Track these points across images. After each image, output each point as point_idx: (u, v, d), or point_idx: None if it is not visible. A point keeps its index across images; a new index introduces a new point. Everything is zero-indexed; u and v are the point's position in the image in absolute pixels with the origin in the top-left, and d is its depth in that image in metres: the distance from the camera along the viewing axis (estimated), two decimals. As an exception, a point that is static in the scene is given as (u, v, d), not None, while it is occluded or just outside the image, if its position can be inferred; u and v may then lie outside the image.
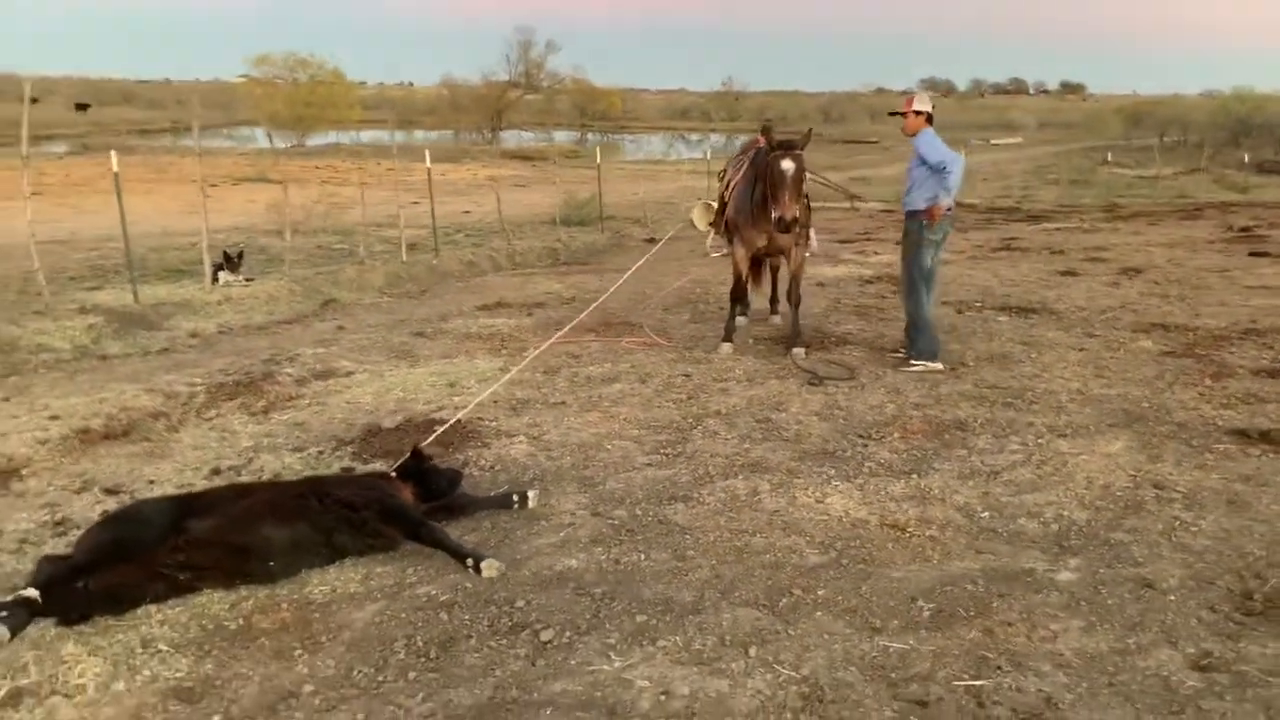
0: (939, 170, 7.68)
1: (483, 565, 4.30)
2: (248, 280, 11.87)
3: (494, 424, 6.50)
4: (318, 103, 57.34)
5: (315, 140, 56.80)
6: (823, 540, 4.71)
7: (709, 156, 34.11)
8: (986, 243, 16.83)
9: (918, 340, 8.01)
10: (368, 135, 66.05)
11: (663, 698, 3.38)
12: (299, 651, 3.69)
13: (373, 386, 7.38)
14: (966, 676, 3.52)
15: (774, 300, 10.00)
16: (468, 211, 23.71)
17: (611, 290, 9.97)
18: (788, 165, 7.58)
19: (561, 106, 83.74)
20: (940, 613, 3.99)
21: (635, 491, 5.30)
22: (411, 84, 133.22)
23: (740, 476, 5.53)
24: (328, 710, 3.31)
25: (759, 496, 5.24)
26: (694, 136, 78.91)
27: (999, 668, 3.58)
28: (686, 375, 7.76)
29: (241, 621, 3.90)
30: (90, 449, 6.03)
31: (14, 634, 3.59)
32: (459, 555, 4.37)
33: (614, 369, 7.92)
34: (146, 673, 3.52)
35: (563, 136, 73.85)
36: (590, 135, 75.24)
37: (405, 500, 4.67)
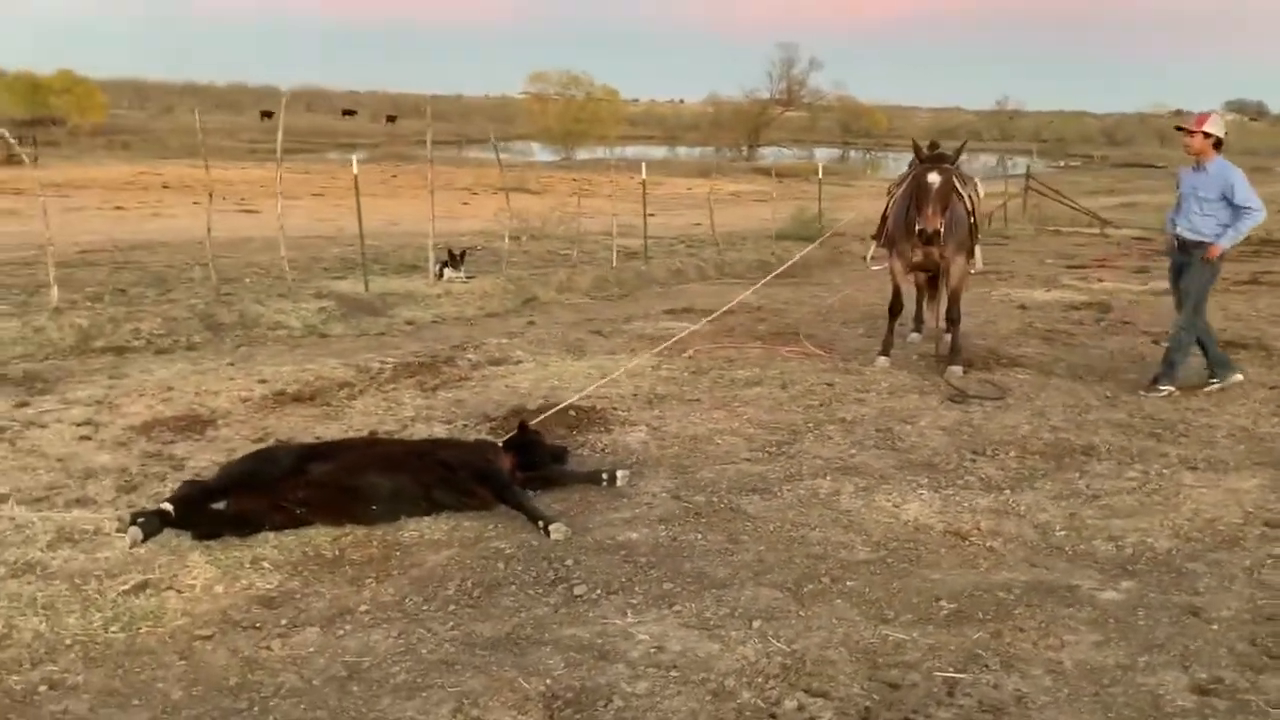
0: (1241, 210, 7.44)
1: (551, 528, 4.80)
2: (468, 277, 13.01)
3: (625, 413, 6.99)
4: (585, 118, 60.25)
5: (583, 154, 59.70)
6: (879, 540, 4.88)
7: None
8: (1233, 276, 15.62)
9: (1214, 359, 7.96)
10: (632, 150, 68.70)
11: (654, 651, 3.74)
12: (371, 580, 4.31)
13: (534, 374, 8.05)
14: (950, 669, 3.65)
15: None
16: (698, 224, 24.32)
17: (734, 303, 10.23)
18: (933, 178, 7.64)
19: (825, 123, 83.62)
20: (959, 613, 4.10)
21: (722, 482, 5.64)
22: (682, 100, 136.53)
23: (829, 477, 5.74)
24: (372, 626, 3.91)
25: (838, 497, 5.44)
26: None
27: (987, 665, 3.68)
28: (830, 384, 7.95)
29: (337, 552, 4.59)
30: (280, 408, 7.01)
31: (146, 537, 4.43)
32: (533, 517, 4.89)
33: (761, 374, 8.22)
34: (245, 582, 4.25)
35: (826, 154, 73.54)
36: (853, 152, 74.67)
37: (499, 466, 5.23)
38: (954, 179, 7.86)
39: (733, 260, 17.15)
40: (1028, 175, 26.56)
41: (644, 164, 17.65)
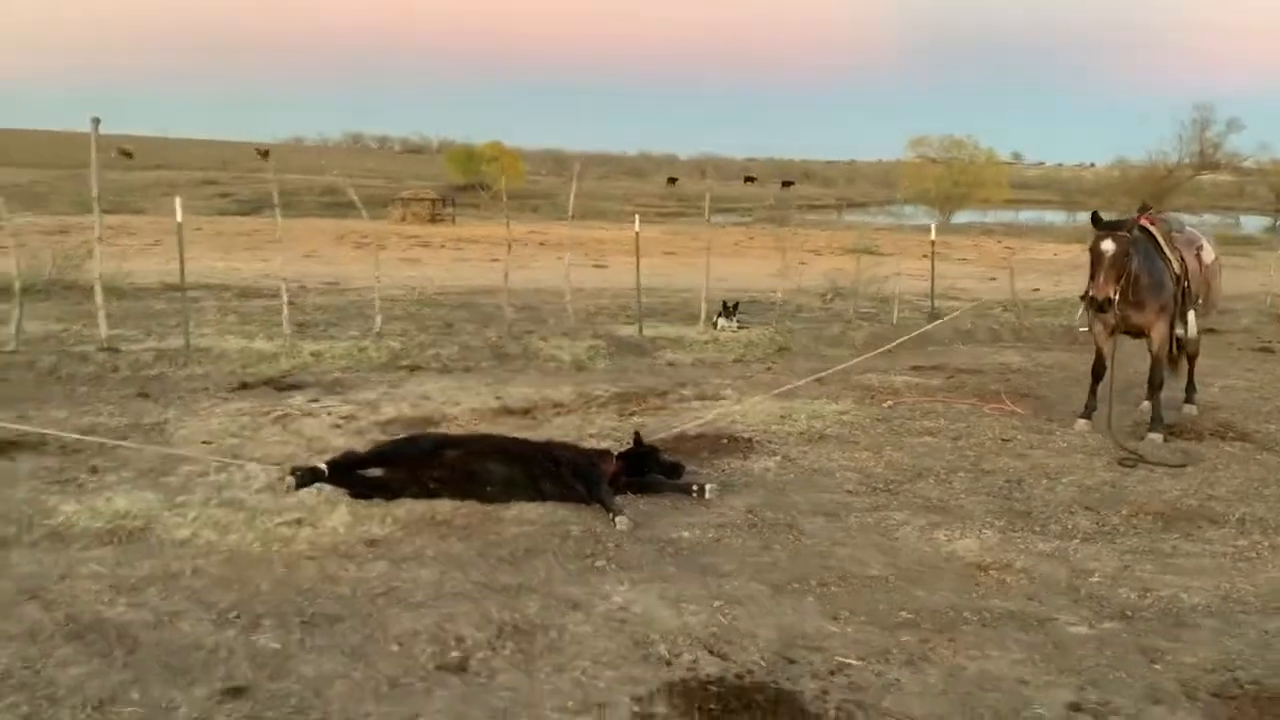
0: None
1: (617, 519, 5.69)
2: (740, 327, 14.08)
3: (774, 446, 7.65)
4: (966, 182, 59.23)
5: (964, 218, 58.63)
6: (900, 564, 5.27)
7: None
8: None
9: None
10: (1024, 215, 66.10)
11: (617, 609, 4.55)
12: (454, 538, 5.45)
13: (723, 409, 8.89)
14: (851, 657, 4.12)
15: (1188, 388, 9.46)
16: (1037, 290, 23.61)
17: (845, 365, 10.33)
18: (1106, 246, 7.64)
19: (1256, 189, 75.80)
20: (909, 622, 4.50)
21: (803, 504, 6.21)
22: (1091, 164, 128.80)
23: (908, 512, 6.11)
24: (427, 566, 5.03)
25: (901, 528, 5.83)
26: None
27: (888, 659, 4.11)
28: (1006, 440, 8.07)
29: (447, 517, 5.78)
30: (495, 418, 8.43)
31: (299, 486, 5.87)
32: (607, 509, 5.81)
33: (945, 426, 8.48)
34: (365, 528, 5.55)
35: (1256, 222, 66.28)
36: (1284, 221, 66.85)
37: (601, 469, 6.19)
38: (1132, 244, 7.75)
39: (1035, 325, 16.72)
40: None
41: (933, 225, 17.75)
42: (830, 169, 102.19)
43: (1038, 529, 5.87)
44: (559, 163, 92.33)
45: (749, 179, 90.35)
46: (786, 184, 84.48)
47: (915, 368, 11.83)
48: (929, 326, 13.11)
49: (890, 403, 9.32)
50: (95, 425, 7.56)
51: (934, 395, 9.85)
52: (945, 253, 33.60)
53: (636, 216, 13.98)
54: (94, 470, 6.50)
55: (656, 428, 8.18)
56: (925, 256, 27.39)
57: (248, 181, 50.57)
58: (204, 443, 7.30)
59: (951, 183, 59.56)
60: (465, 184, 62.04)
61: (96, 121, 10.81)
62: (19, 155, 52.68)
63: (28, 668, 3.86)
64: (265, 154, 69.04)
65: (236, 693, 3.71)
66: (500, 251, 28.35)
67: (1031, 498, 6.54)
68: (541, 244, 30.57)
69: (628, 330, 13.67)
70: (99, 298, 10.86)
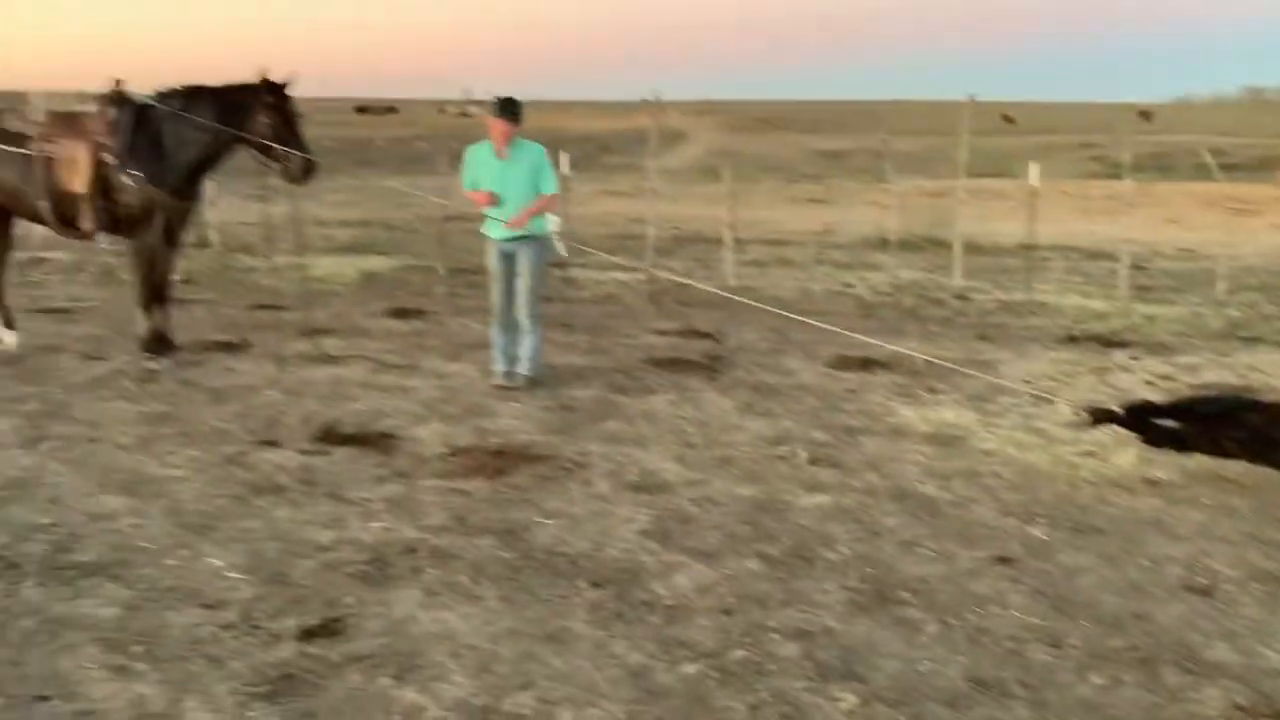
0: None
1: None
2: None
3: None
4: None
5: None
6: None
7: None
8: None
9: None
10: None
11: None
12: (1234, 494, 5.69)
13: None
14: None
15: None
16: None
17: None
18: None
19: None
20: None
21: None
22: None
23: None
24: (1201, 509, 5.42)
25: None
26: None
27: None
28: None
29: (1234, 475, 5.93)
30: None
31: (1095, 424, 6.45)
32: None
33: None
34: (1148, 470, 6.03)
35: None
36: None
37: None
38: None
39: None
40: None
41: None
42: None
43: None
44: None
45: None
46: None
47: None
48: None
49: None
50: (939, 355, 9.06)
51: None
52: None
53: None
54: (931, 389, 7.95)
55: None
56: None
57: (1124, 145, 49.68)
58: (1024, 380, 8.32)
59: None
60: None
61: (972, 96, 12.39)
62: (908, 124, 59.05)
63: (862, 511, 5.33)
64: (1147, 115, 66.96)
65: (1003, 560, 4.71)
66: None
67: None
68: None
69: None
70: (957, 252, 12.52)
